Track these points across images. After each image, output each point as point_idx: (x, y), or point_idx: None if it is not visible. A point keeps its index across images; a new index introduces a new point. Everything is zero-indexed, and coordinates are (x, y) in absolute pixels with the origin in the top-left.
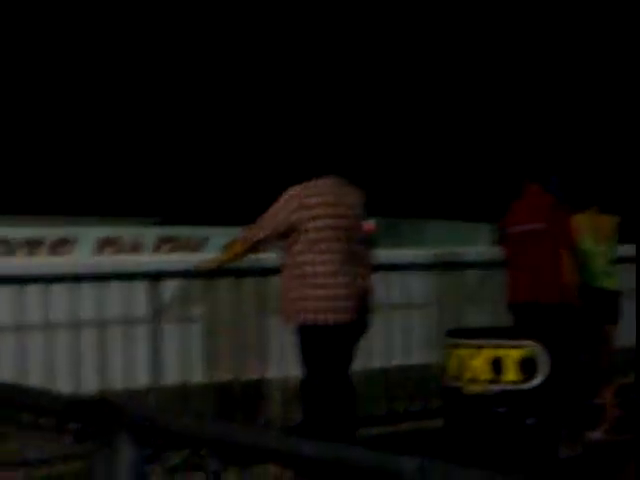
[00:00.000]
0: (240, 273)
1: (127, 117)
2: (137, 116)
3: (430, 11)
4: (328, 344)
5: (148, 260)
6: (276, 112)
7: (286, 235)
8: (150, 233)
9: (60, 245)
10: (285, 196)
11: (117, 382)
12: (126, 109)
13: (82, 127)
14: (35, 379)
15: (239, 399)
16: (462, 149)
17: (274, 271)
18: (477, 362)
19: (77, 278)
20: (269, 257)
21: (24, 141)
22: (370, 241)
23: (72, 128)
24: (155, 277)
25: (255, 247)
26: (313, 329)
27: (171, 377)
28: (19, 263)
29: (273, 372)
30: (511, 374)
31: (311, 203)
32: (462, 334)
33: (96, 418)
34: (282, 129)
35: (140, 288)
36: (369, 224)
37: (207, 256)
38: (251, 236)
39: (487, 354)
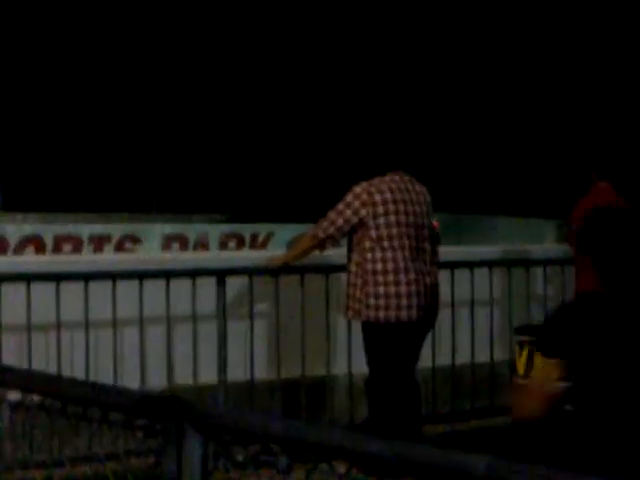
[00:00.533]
0: (305, 270)
1: (194, 114)
2: (207, 113)
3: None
4: (395, 341)
5: (214, 257)
6: (341, 109)
7: (353, 232)
8: (216, 230)
9: (127, 242)
10: (352, 193)
11: (184, 378)
12: (192, 107)
13: (148, 125)
14: (103, 375)
15: (305, 396)
16: (529, 144)
17: (339, 268)
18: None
19: (143, 275)
20: (334, 254)
21: (90, 138)
22: (436, 238)
23: (138, 126)
24: (221, 274)
25: (322, 244)
26: (380, 326)
27: (237, 374)
28: (86, 260)
29: (339, 369)
30: None
31: (378, 200)
32: (530, 331)
33: (165, 415)
34: (347, 125)
35: (206, 285)
36: (434, 221)
37: (273, 253)
38: (318, 233)
39: None
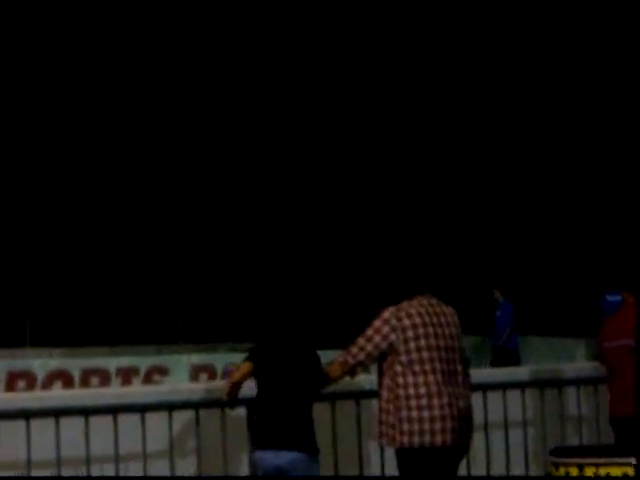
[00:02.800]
0: (336, 396)
1: (217, 243)
2: (230, 241)
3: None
4: (429, 467)
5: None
6: (368, 233)
7: (383, 357)
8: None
9: (154, 373)
10: (380, 318)
11: None
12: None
13: (173, 256)
14: None
15: None
16: (554, 263)
17: (370, 394)
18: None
19: (172, 406)
20: (364, 379)
21: (114, 273)
22: (466, 360)
23: (163, 258)
24: (249, 403)
25: (352, 371)
26: (415, 451)
27: None
28: (113, 392)
29: None
30: None
31: (408, 324)
32: (565, 453)
33: None
34: (371, 250)
35: (236, 415)
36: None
37: None
38: (348, 359)
39: (591, 472)
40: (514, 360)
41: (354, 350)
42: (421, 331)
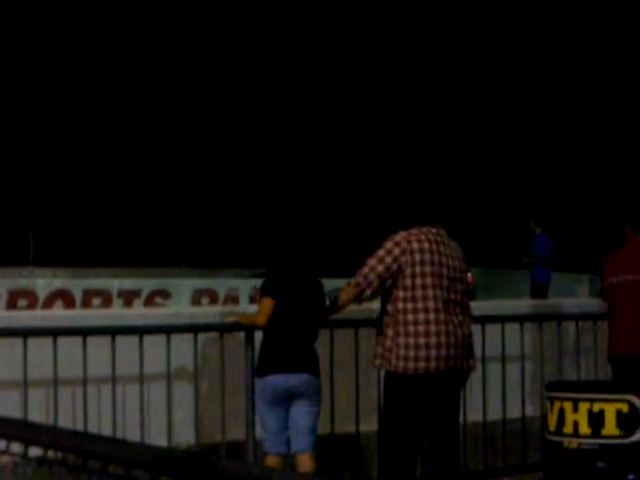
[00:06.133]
0: (334, 324)
1: (222, 167)
2: (234, 166)
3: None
4: (420, 394)
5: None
6: (377, 162)
7: (390, 281)
8: (246, 284)
9: (156, 296)
10: (391, 240)
11: (210, 436)
12: (219, 161)
13: (178, 180)
14: (130, 431)
15: (335, 453)
16: (560, 198)
17: (369, 322)
18: (577, 416)
19: (171, 329)
20: (364, 309)
21: (120, 194)
22: (470, 292)
23: (168, 181)
24: (250, 329)
25: (362, 293)
26: (408, 377)
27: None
28: (113, 314)
29: (369, 425)
30: (611, 429)
31: (417, 248)
32: (562, 387)
33: (189, 473)
34: (382, 177)
35: (235, 340)
36: (468, 275)
37: None
38: (359, 280)
39: (587, 408)
40: (541, 292)
41: (365, 270)
42: (428, 257)
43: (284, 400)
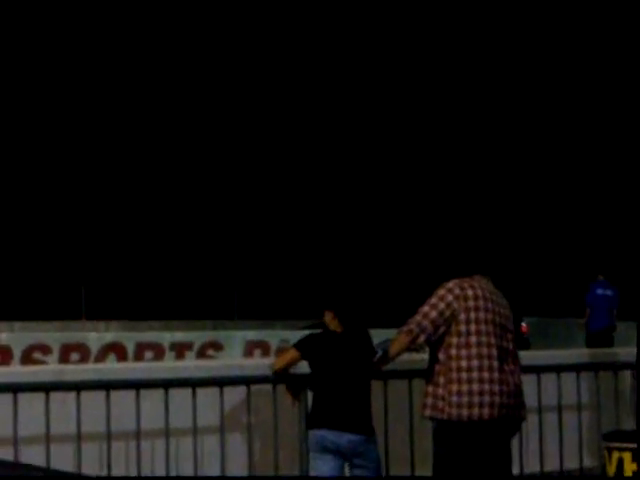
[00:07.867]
0: (388, 375)
1: (272, 220)
2: (283, 218)
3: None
4: (475, 441)
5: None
6: (425, 213)
7: (443, 328)
8: (299, 336)
9: (208, 349)
10: (443, 287)
11: None
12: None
13: (230, 232)
14: None
15: None
16: (610, 246)
17: (423, 373)
18: (636, 466)
19: (223, 381)
20: (417, 358)
21: (171, 247)
22: (525, 341)
23: (220, 233)
24: (301, 380)
25: (415, 340)
26: (462, 425)
27: None
28: (166, 367)
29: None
30: None
31: (470, 294)
32: (620, 437)
33: None
34: (432, 227)
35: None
36: (522, 325)
37: None
38: (412, 327)
39: None
40: (595, 341)
41: (417, 317)
42: (482, 303)
43: (337, 454)
